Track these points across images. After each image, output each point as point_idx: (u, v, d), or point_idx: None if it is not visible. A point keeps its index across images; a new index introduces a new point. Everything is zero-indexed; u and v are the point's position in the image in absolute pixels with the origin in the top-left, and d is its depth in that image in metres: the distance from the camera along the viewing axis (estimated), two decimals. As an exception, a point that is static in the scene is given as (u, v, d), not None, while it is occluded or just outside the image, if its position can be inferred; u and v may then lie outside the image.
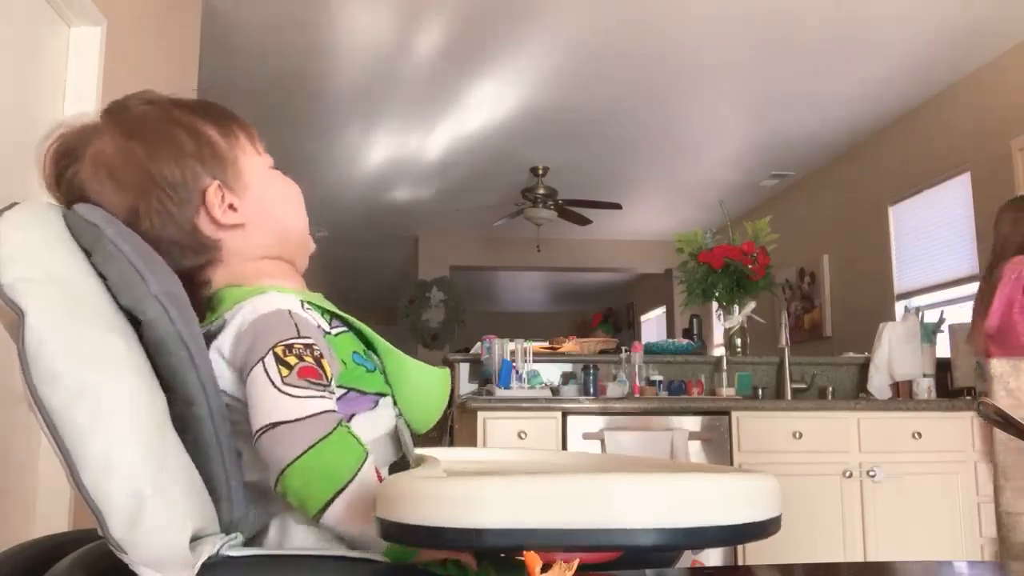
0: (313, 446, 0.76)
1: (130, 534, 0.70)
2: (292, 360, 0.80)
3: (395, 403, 0.92)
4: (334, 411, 0.80)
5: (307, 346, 0.82)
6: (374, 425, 0.89)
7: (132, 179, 0.87)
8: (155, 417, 0.74)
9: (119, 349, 0.75)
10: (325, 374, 0.81)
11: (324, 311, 0.91)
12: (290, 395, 0.78)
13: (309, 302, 0.89)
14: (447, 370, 0.97)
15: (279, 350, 0.80)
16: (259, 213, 0.92)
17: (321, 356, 0.82)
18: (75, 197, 0.89)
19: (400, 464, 0.90)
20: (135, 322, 0.79)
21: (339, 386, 0.87)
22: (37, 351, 0.71)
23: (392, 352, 0.94)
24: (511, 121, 5.34)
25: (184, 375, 0.77)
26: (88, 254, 0.81)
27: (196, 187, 0.89)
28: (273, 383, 0.78)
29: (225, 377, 0.83)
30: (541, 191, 6.31)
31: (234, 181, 0.91)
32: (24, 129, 2.23)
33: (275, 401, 0.78)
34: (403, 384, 0.93)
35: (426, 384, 0.95)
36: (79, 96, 2.41)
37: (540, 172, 6.26)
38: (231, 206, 0.91)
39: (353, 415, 0.87)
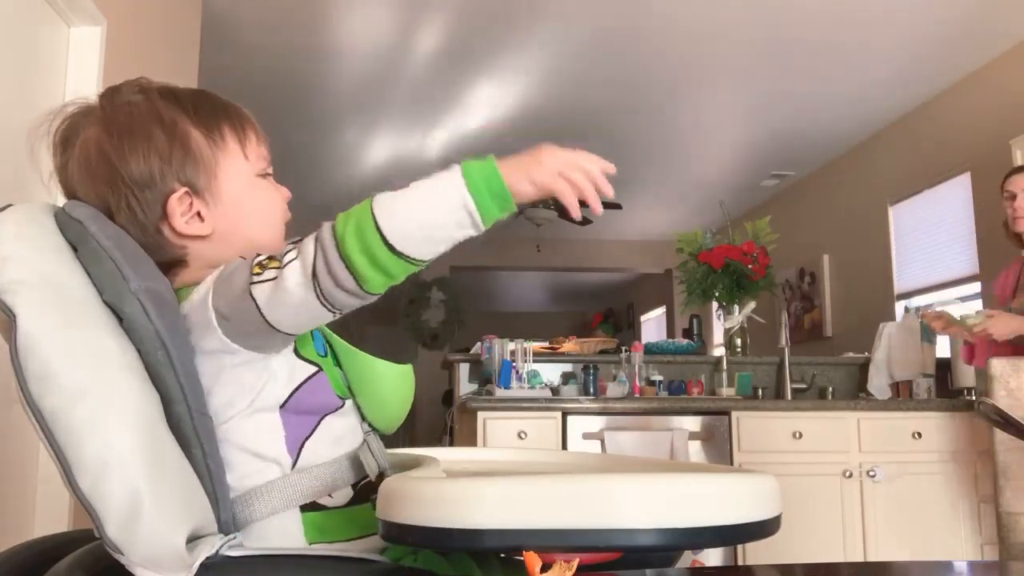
0: (336, 235, 0.74)
1: (127, 534, 0.70)
2: (269, 262, 0.78)
3: (358, 409, 0.89)
4: None
5: (270, 256, 0.79)
6: (341, 435, 0.86)
7: (103, 173, 0.86)
8: (149, 417, 0.74)
9: (111, 349, 0.75)
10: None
11: None
12: (294, 258, 0.76)
13: None
14: (410, 366, 0.94)
15: (255, 268, 0.78)
16: (228, 226, 0.88)
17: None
18: (69, 188, 0.89)
19: (366, 488, 0.86)
20: (118, 319, 0.79)
21: (310, 361, 0.85)
22: (29, 353, 0.71)
23: (352, 352, 0.91)
24: (511, 121, 5.34)
25: (163, 374, 0.77)
26: (75, 250, 0.81)
27: (162, 190, 0.85)
28: (274, 272, 0.76)
29: (214, 336, 0.80)
30: (541, 191, 6.30)
31: (206, 187, 0.87)
32: (24, 129, 2.22)
33: (291, 272, 0.75)
34: (368, 384, 0.90)
35: (391, 381, 0.92)
36: (79, 96, 2.41)
37: (540, 172, 6.25)
38: (198, 214, 0.87)
39: (324, 416, 0.85)
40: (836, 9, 3.86)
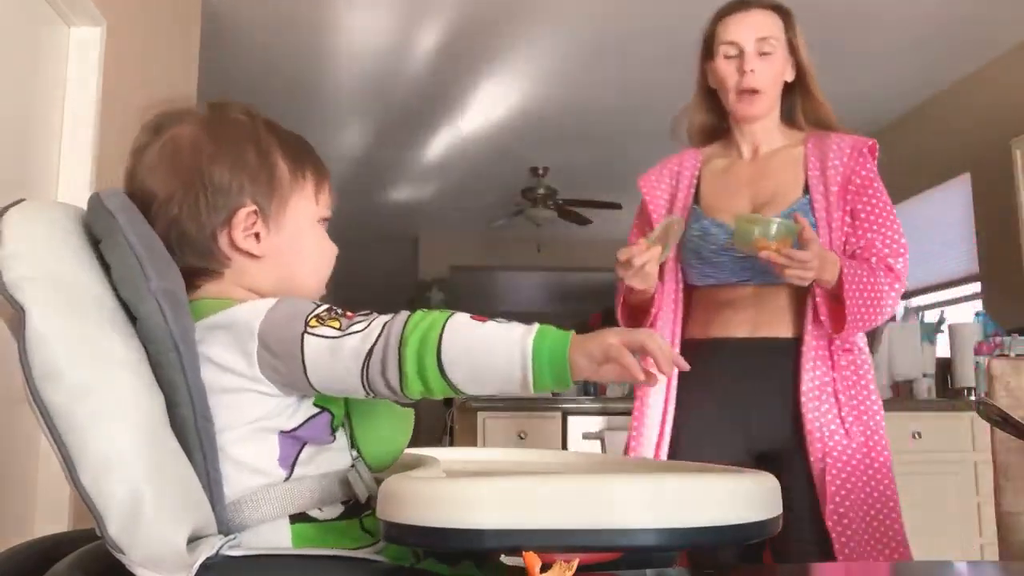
0: (403, 334, 0.76)
1: (128, 534, 0.70)
2: (331, 317, 0.80)
3: (352, 443, 0.89)
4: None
5: (329, 308, 0.81)
6: (324, 461, 0.85)
7: (186, 168, 0.88)
8: (153, 417, 0.74)
9: (120, 348, 0.75)
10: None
11: None
12: (361, 330, 0.77)
13: None
14: (411, 411, 0.94)
15: (313, 321, 0.79)
16: (279, 256, 0.91)
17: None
18: (135, 167, 0.91)
19: (356, 505, 0.86)
20: (132, 317, 0.79)
21: (315, 404, 0.85)
22: (38, 350, 0.71)
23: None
24: (511, 121, 5.34)
25: (172, 375, 0.77)
26: (98, 241, 0.81)
27: (235, 201, 0.88)
28: (336, 337, 0.78)
29: (225, 366, 0.81)
30: (541, 191, 6.31)
31: (274, 215, 0.90)
32: (24, 129, 2.23)
33: (353, 343, 0.77)
34: (367, 418, 0.89)
35: (389, 420, 0.91)
36: (79, 96, 2.41)
37: (540, 172, 6.26)
38: (256, 235, 0.90)
39: (305, 444, 0.84)
40: (836, 10, 3.86)
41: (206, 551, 0.72)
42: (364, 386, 0.77)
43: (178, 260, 0.87)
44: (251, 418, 0.81)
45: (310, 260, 0.94)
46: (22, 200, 0.82)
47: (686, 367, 0.82)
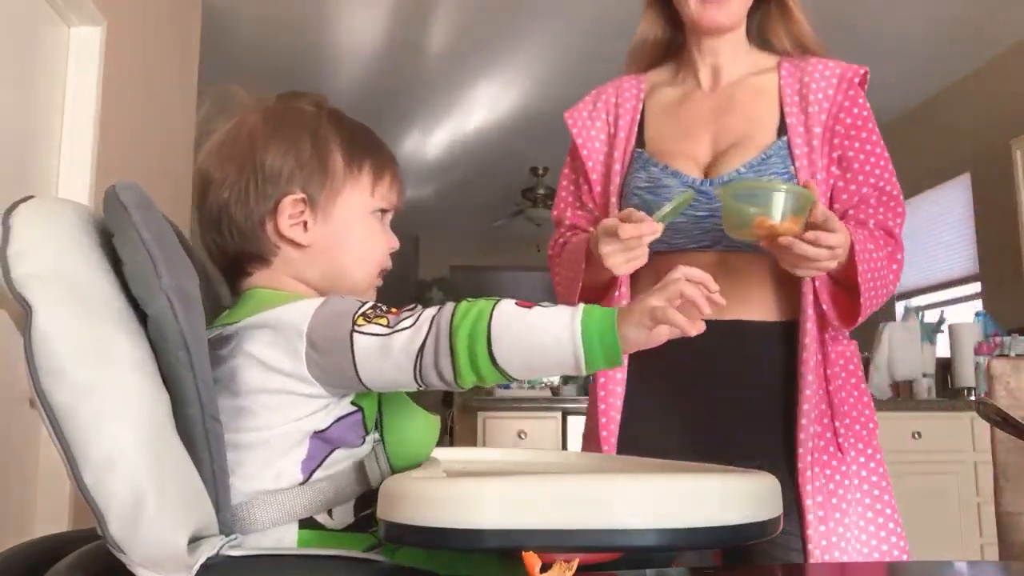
0: (452, 326, 0.77)
1: (129, 533, 0.70)
2: (378, 315, 0.80)
3: (383, 446, 0.88)
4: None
5: (375, 306, 0.82)
6: (348, 457, 0.86)
7: (241, 154, 0.90)
8: (157, 416, 0.74)
9: (125, 347, 0.75)
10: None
11: None
12: (409, 326, 0.78)
13: None
14: (438, 417, 0.94)
15: (360, 320, 0.80)
16: (326, 246, 0.91)
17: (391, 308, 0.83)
18: (202, 146, 0.93)
19: (368, 518, 0.85)
20: (142, 314, 0.78)
21: (352, 402, 0.85)
22: (44, 347, 0.71)
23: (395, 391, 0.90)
24: (511, 121, 5.35)
25: (181, 374, 0.77)
26: (111, 235, 0.81)
27: (284, 189, 0.89)
28: (384, 335, 0.78)
29: (274, 365, 0.81)
30: (541, 191, 6.32)
31: (323, 205, 0.90)
32: (24, 129, 2.23)
33: (404, 342, 0.78)
34: (398, 419, 0.89)
35: (419, 423, 0.91)
36: (79, 96, 2.41)
37: (540, 172, 6.26)
38: (304, 224, 0.90)
39: (335, 449, 0.84)
40: (835, 10, 3.86)
41: (207, 551, 0.72)
42: (417, 380, 0.79)
43: (229, 246, 0.89)
44: (290, 419, 0.81)
45: (356, 251, 0.93)
46: (31, 197, 0.82)
47: (722, 302, 0.79)
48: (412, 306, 0.82)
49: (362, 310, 0.81)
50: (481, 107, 5.14)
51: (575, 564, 0.60)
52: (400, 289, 8.96)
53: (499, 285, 10.96)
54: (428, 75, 4.65)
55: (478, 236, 8.23)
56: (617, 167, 1.36)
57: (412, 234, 8.29)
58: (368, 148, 0.95)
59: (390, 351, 0.78)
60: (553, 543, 0.58)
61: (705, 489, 0.61)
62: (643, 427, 1.30)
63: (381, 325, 0.79)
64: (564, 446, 3.00)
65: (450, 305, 0.79)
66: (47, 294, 0.73)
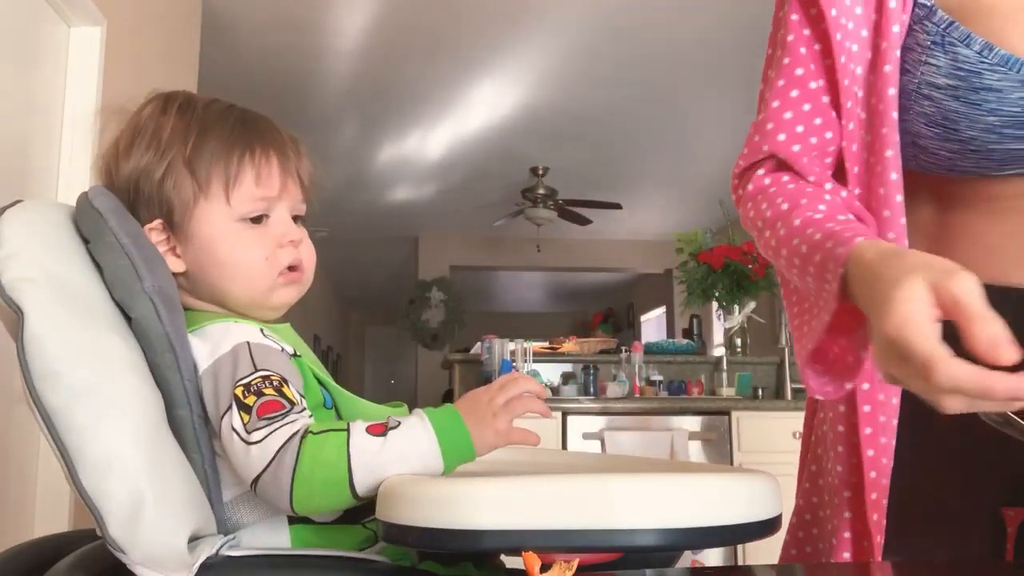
0: (294, 476, 0.72)
1: (128, 533, 0.70)
2: (251, 400, 0.75)
3: None
4: (297, 431, 0.74)
5: (265, 378, 0.77)
6: None
7: (106, 174, 0.88)
8: (152, 418, 0.74)
9: (118, 348, 0.75)
10: (287, 398, 0.76)
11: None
12: (257, 443, 0.73)
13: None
14: (405, 406, 0.90)
15: (239, 391, 0.76)
16: (200, 267, 0.85)
17: (283, 383, 0.77)
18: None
19: (356, 510, 0.83)
20: (126, 318, 0.78)
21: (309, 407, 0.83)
22: (36, 350, 0.71)
23: (343, 393, 0.88)
24: (511, 121, 5.34)
25: (168, 376, 0.77)
26: (87, 242, 0.81)
27: (144, 215, 0.85)
28: (239, 436, 0.74)
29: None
30: (541, 191, 6.31)
31: (182, 227, 0.84)
32: (24, 129, 2.23)
33: (246, 456, 0.74)
34: (351, 414, 0.87)
35: (373, 414, 0.87)
36: (79, 96, 2.41)
37: (540, 172, 6.26)
38: (174, 249, 0.85)
39: None
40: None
41: (206, 551, 0.72)
42: (251, 487, 0.75)
43: None
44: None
45: (228, 268, 0.85)
46: (20, 201, 0.82)
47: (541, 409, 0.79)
48: (276, 413, 0.75)
49: (247, 379, 0.77)
50: (481, 107, 5.14)
51: (575, 564, 0.60)
52: (400, 289, 8.96)
53: (499, 285, 10.97)
54: (428, 75, 4.65)
55: (478, 236, 8.23)
56: (886, 45, 0.82)
57: (412, 234, 8.29)
58: (216, 154, 0.84)
59: (234, 451, 0.74)
60: (553, 543, 0.58)
61: (705, 489, 0.61)
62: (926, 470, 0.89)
63: (242, 419, 0.74)
64: (564, 446, 3.00)
65: (293, 448, 0.72)
66: (38, 298, 0.73)
